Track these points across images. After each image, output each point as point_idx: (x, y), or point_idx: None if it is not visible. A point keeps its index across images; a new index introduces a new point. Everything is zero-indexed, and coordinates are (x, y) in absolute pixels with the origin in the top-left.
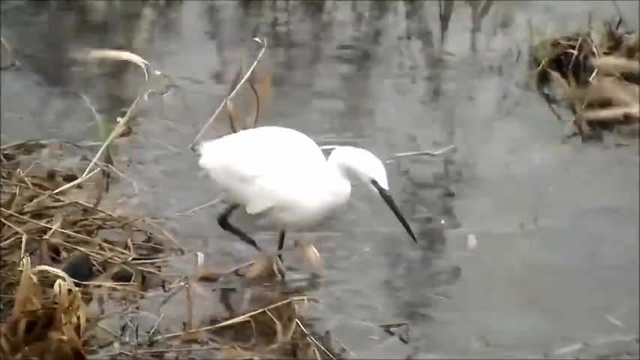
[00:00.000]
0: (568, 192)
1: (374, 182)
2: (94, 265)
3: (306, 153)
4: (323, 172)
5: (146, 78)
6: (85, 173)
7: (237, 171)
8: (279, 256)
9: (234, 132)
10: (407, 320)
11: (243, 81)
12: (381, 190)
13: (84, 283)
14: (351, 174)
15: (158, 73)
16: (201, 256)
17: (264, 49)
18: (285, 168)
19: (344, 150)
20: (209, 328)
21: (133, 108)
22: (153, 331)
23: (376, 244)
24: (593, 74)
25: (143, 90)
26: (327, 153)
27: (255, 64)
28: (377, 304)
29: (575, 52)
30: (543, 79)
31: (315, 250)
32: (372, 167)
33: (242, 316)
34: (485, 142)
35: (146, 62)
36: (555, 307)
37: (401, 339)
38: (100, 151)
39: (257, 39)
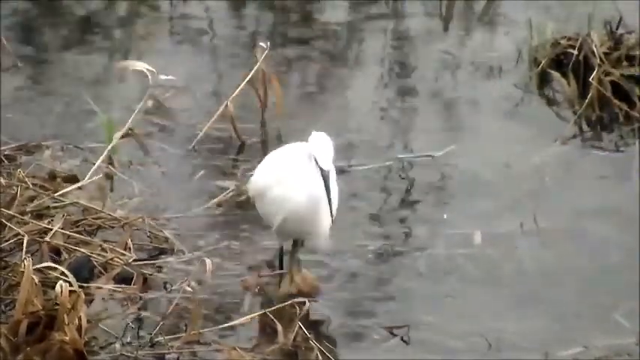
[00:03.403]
0: (568, 192)
1: (315, 160)
2: (95, 266)
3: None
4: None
5: (150, 82)
6: (87, 176)
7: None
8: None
9: (237, 134)
10: (407, 321)
11: (244, 82)
12: (319, 168)
13: (85, 285)
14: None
15: (167, 77)
16: (208, 262)
17: (266, 52)
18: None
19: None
20: (210, 329)
21: (138, 111)
22: (154, 332)
23: (376, 244)
24: (594, 74)
25: (148, 95)
26: None
27: (257, 66)
28: (378, 305)
29: (575, 52)
30: (543, 79)
31: (310, 276)
32: (316, 147)
33: (243, 318)
34: (485, 142)
35: (153, 70)
36: (556, 308)
37: (402, 340)
38: (103, 155)
39: (261, 43)
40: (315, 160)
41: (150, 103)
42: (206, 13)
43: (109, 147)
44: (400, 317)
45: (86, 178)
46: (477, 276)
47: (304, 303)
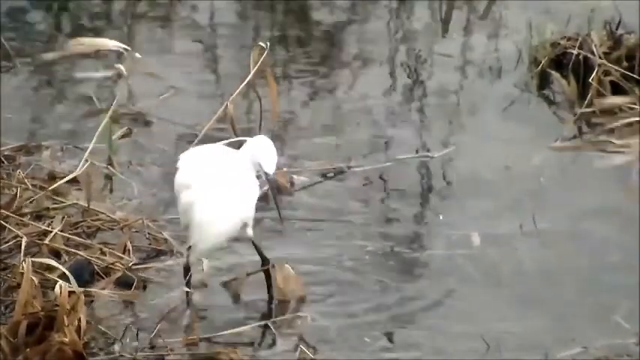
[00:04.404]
0: (568, 193)
1: (260, 166)
2: (95, 270)
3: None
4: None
5: (126, 61)
6: (79, 167)
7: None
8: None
9: (236, 134)
10: (406, 322)
11: (244, 83)
12: (265, 173)
13: (86, 289)
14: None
15: (138, 56)
16: (206, 262)
17: (266, 53)
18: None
19: (249, 141)
20: (209, 336)
21: (120, 94)
22: (153, 334)
23: (375, 245)
24: (593, 74)
25: (126, 73)
26: None
27: (257, 66)
28: (377, 306)
29: (575, 52)
30: (543, 79)
31: (292, 272)
32: (261, 152)
33: (243, 327)
34: (485, 143)
35: (125, 47)
36: (556, 308)
37: (389, 340)
38: (92, 142)
39: (260, 43)
40: (260, 166)
41: (130, 81)
42: (206, 13)
43: (100, 129)
44: (400, 319)
45: (78, 169)
46: (477, 276)
47: (305, 317)
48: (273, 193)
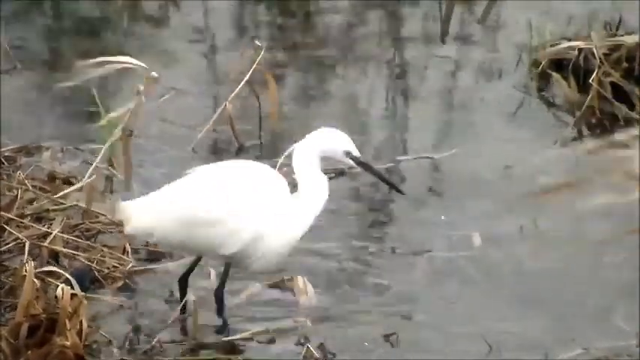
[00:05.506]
0: (568, 193)
1: (348, 153)
2: (96, 277)
3: (260, 179)
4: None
5: (143, 80)
6: (86, 176)
7: (200, 218)
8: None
9: (235, 135)
10: (407, 322)
11: (242, 83)
12: (356, 159)
13: (87, 295)
14: (324, 156)
15: (155, 75)
16: (213, 273)
17: (262, 52)
18: (253, 200)
19: (307, 140)
20: (212, 343)
21: (132, 109)
22: (155, 339)
23: (376, 246)
24: (593, 75)
25: (140, 92)
26: None
27: (254, 66)
28: (378, 307)
29: (575, 53)
30: (543, 80)
31: (307, 282)
32: (342, 141)
33: (245, 333)
34: (486, 144)
35: (144, 65)
36: (556, 308)
37: (389, 343)
38: (101, 153)
39: (257, 42)
40: (348, 154)
41: (143, 99)
42: (206, 13)
43: (106, 145)
44: (401, 319)
45: (85, 179)
46: (478, 277)
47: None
48: (375, 172)
